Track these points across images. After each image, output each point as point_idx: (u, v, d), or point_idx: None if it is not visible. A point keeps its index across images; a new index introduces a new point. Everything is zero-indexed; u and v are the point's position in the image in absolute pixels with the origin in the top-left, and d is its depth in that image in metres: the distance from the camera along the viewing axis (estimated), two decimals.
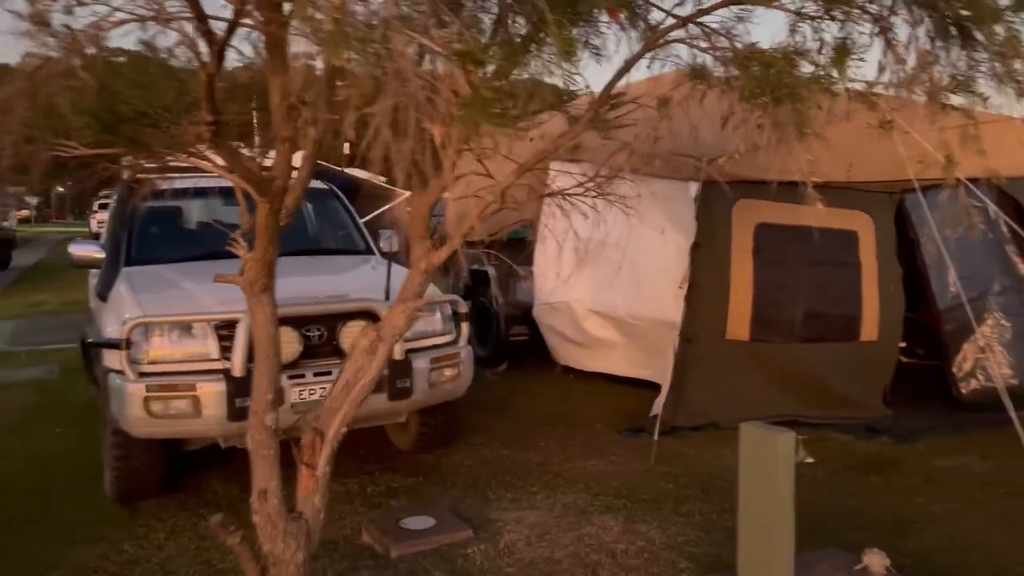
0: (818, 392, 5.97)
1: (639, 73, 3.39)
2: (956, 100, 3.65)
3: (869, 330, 6.07)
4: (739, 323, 5.84)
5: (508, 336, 7.82)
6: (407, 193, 6.69)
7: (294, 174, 2.75)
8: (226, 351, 4.21)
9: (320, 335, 4.44)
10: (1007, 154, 6.70)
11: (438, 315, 4.89)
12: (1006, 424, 5.11)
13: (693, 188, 5.70)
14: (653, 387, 6.04)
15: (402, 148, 1.90)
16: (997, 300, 6.16)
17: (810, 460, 4.38)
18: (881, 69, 3.46)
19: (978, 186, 6.33)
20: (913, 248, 6.19)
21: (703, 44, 2.89)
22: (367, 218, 7.86)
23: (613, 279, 6.18)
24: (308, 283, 4.88)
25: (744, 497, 3.17)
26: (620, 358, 6.62)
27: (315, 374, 4.37)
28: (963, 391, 6.04)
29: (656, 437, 5.07)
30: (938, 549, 3.78)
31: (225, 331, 4.25)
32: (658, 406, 5.68)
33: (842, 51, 2.53)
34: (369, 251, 5.98)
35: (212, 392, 4.10)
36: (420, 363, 4.63)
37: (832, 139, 6.09)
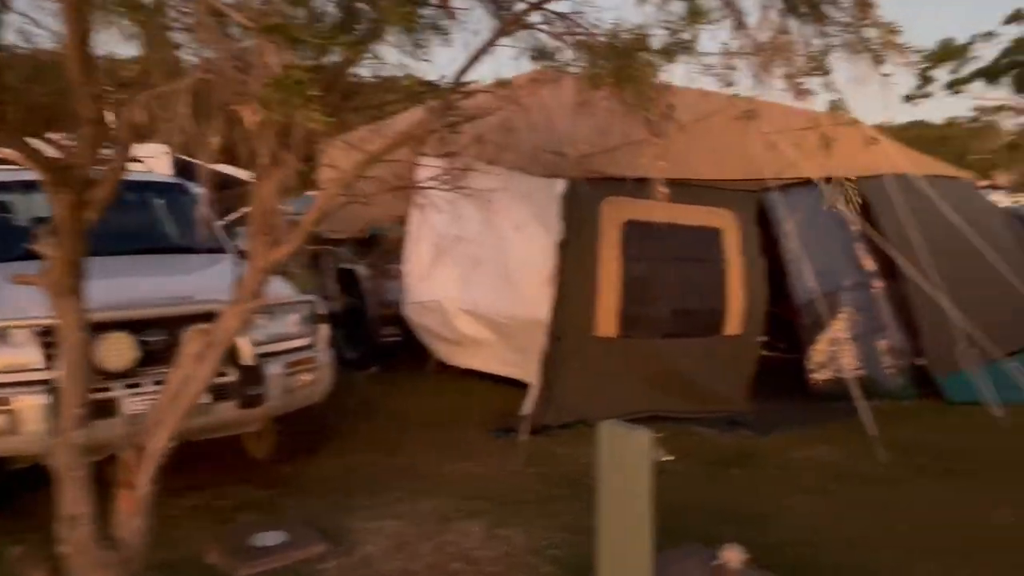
0: (684, 387, 6.05)
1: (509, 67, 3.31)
2: (811, 101, 3.72)
3: (733, 324, 6.19)
4: (607, 320, 5.84)
5: (379, 337, 7.58)
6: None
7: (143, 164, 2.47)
8: (53, 360, 3.81)
9: (161, 340, 4.10)
10: (856, 155, 7.02)
11: (294, 317, 4.63)
12: (856, 413, 5.34)
13: (559, 185, 5.65)
14: (527, 386, 5.96)
15: (205, 130, 1.69)
16: (848, 295, 6.42)
17: (669, 458, 4.36)
18: (733, 51, 3.45)
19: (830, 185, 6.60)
20: (774, 245, 6.36)
21: (555, 28, 2.79)
22: (234, 215, 7.45)
23: (482, 277, 6.07)
24: (148, 284, 4.51)
25: (603, 497, 3.10)
26: (493, 357, 6.51)
27: (155, 383, 4.02)
28: (817, 382, 6.26)
29: (523, 437, 4.98)
30: (795, 541, 3.83)
31: (52, 338, 3.85)
32: (528, 405, 5.62)
33: (694, 14, 2.46)
34: (223, 250, 5.62)
35: (32, 406, 3.71)
36: (274, 368, 4.36)
37: (697, 137, 6.25)
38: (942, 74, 41.86)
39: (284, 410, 4.54)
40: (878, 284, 6.54)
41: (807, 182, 6.50)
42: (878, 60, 2.74)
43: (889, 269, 6.55)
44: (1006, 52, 40.16)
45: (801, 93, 3.65)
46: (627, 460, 2.97)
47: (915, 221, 6.67)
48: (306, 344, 4.61)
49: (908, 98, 45.02)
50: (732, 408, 6.09)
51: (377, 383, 7.01)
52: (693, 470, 4.83)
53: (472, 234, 6.29)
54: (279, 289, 4.48)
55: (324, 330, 4.74)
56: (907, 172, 7.02)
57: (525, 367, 6.02)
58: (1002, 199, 33.53)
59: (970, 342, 6.23)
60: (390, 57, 2.53)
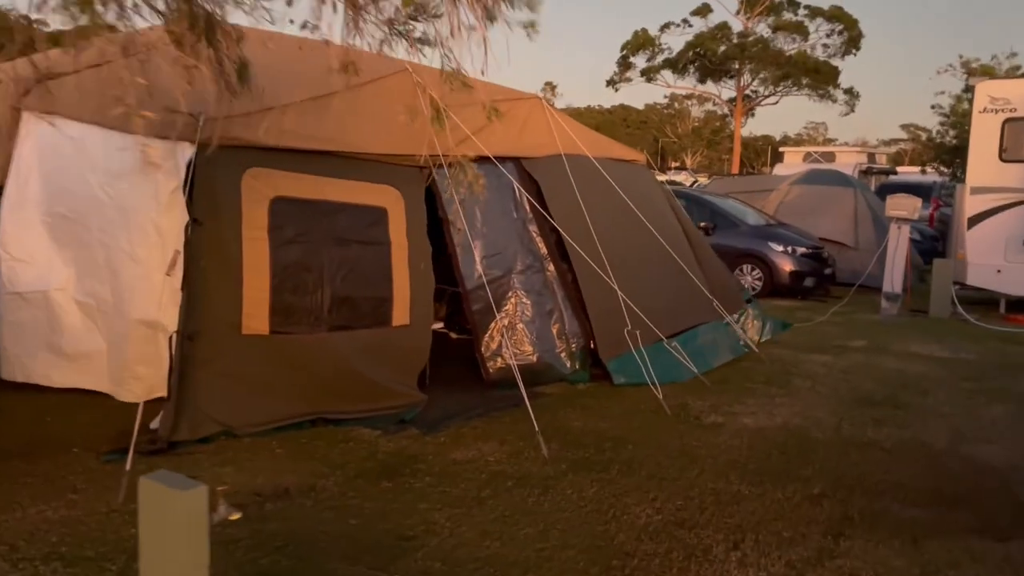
0: (351, 384, 5.43)
1: None
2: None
3: (401, 314, 5.68)
4: (256, 314, 5.04)
5: None
6: None
7: None
8: None
9: None
10: (532, 134, 6.81)
11: None
12: (531, 400, 5.07)
13: (186, 152, 4.74)
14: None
15: None
16: (520, 279, 6.19)
17: (236, 516, 3.69)
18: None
19: (504, 164, 6.30)
20: (442, 226, 5.94)
21: None
22: None
23: (89, 265, 4.99)
24: None
25: (146, 567, 2.36)
26: (102, 371, 5.27)
27: None
28: (490, 370, 5.97)
29: (128, 467, 4.06)
30: (428, 571, 3.37)
31: None
32: (159, 418, 4.69)
33: None
34: None
35: None
36: None
37: (360, 105, 5.61)
38: (641, 61, 45.42)
39: None
40: (550, 267, 6.38)
41: (479, 159, 6.19)
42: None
43: (561, 251, 6.42)
44: (690, 45, 44.50)
45: (412, 44, 3.20)
46: (176, 523, 2.25)
47: (588, 203, 6.60)
48: None
49: (609, 83, 48.20)
50: (403, 404, 5.59)
51: None
52: (342, 487, 4.24)
53: (77, 209, 5.18)
54: None
55: None
56: (581, 153, 6.94)
57: (139, 383, 5.01)
58: (687, 179, 37.23)
59: (636, 324, 6.27)
60: None
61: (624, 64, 45.58)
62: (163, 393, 4.76)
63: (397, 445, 4.92)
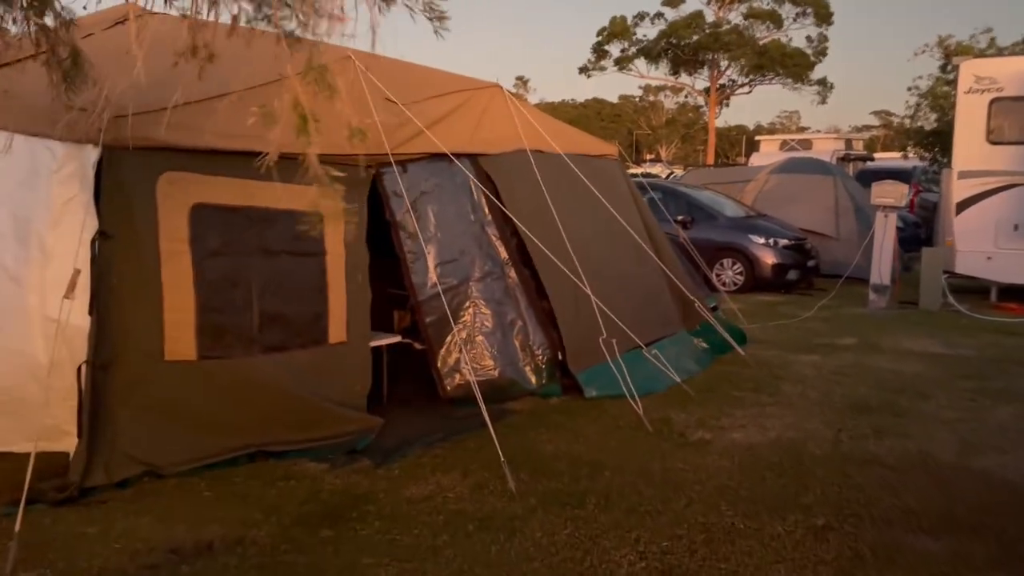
0: (292, 412, 4.83)
1: None
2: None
3: (337, 330, 5.10)
4: (181, 338, 4.44)
5: None
6: None
7: None
8: None
9: None
10: (492, 127, 6.22)
11: None
12: (497, 420, 4.52)
13: (91, 154, 4.12)
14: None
15: None
16: (478, 287, 5.63)
17: None
18: None
19: (460, 161, 5.73)
20: (391, 231, 5.36)
21: None
22: None
23: None
24: None
25: None
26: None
27: None
28: (447, 387, 5.42)
29: (18, 526, 3.45)
30: None
31: None
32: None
33: None
34: None
35: None
36: None
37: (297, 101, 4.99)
38: (615, 50, 44.88)
39: None
40: (512, 273, 5.81)
41: (432, 156, 5.61)
42: None
43: (524, 256, 5.85)
44: (663, 34, 44.06)
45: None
46: None
47: (556, 202, 6.04)
48: None
49: (583, 70, 47.65)
50: (354, 430, 5.01)
51: None
52: (269, 540, 3.66)
53: None
54: None
55: None
56: (548, 148, 6.37)
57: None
58: (663, 171, 36.78)
59: (611, 331, 5.73)
60: None
61: (599, 52, 45.07)
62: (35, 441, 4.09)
63: (344, 481, 4.34)
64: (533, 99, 63.53)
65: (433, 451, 4.80)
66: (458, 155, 5.75)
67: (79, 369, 4.12)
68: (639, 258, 6.56)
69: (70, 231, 4.12)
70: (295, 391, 4.84)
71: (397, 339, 5.79)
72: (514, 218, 5.72)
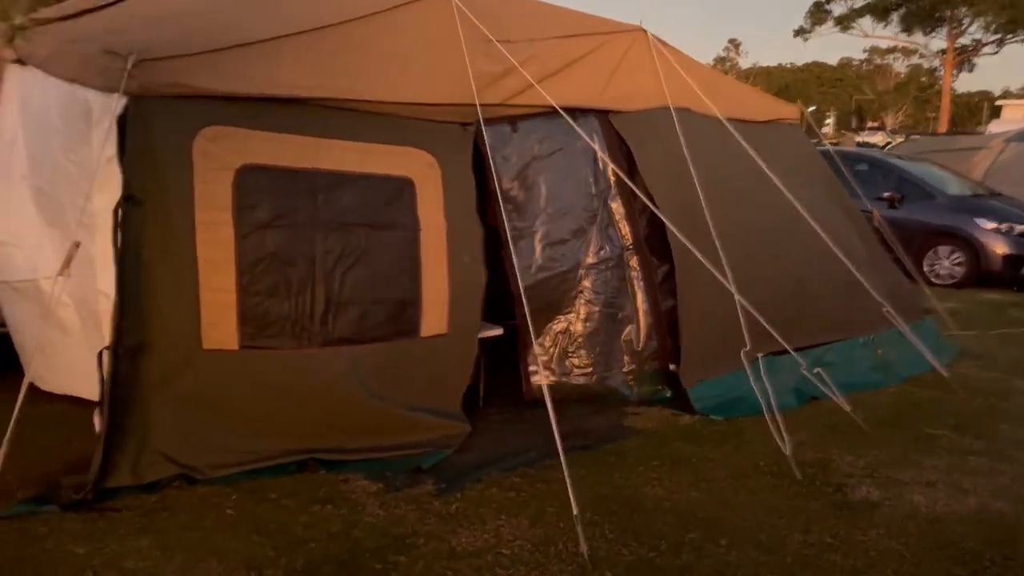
0: (358, 415, 4.12)
1: None
2: None
3: (434, 320, 4.29)
4: (220, 323, 3.80)
5: None
6: None
7: None
8: None
9: None
10: (629, 80, 5.08)
11: None
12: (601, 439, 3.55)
13: (115, 104, 3.52)
14: None
15: None
16: (590, 275, 4.62)
17: None
18: None
19: (583, 119, 4.69)
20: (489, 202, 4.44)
21: None
22: None
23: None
24: None
25: None
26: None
27: None
28: (533, 387, 4.55)
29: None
30: None
31: None
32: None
33: None
34: None
35: None
36: None
37: (372, 39, 4.17)
38: (837, 8, 40.81)
39: None
40: (633, 261, 4.72)
41: (546, 113, 4.60)
42: None
43: (653, 240, 4.73)
44: None
45: None
46: None
47: (702, 175, 4.85)
48: None
49: (798, 32, 43.99)
50: (435, 437, 4.24)
51: None
52: None
53: (53, 181, 4.12)
54: None
55: None
56: (700, 107, 5.16)
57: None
58: (882, 140, 33.05)
59: (753, 340, 4.50)
60: None
61: (818, 11, 41.20)
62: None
63: (389, 514, 3.53)
64: (745, 63, 59.60)
65: (510, 479, 3.89)
66: (584, 111, 4.73)
67: (99, 355, 3.59)
68: (812, 247, 5.21)
69: (114, 195, 3.57)
70: (365, 391, 4.10)
71: (499, 331, 4.89)
72: (646, 192, 4.60)
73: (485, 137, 4.31)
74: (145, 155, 3.57)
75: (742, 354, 4.48)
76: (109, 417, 3.60)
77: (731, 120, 5.23)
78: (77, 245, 3.32)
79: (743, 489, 3.87)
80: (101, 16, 4.41)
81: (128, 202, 3.55)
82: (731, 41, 61.93)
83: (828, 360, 5.14)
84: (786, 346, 4.55)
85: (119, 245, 3.54)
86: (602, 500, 3.62)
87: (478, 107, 4.13)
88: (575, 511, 3.24)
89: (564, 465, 3.33)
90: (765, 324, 4.45)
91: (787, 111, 6.25)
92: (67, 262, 3.24)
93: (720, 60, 70.20)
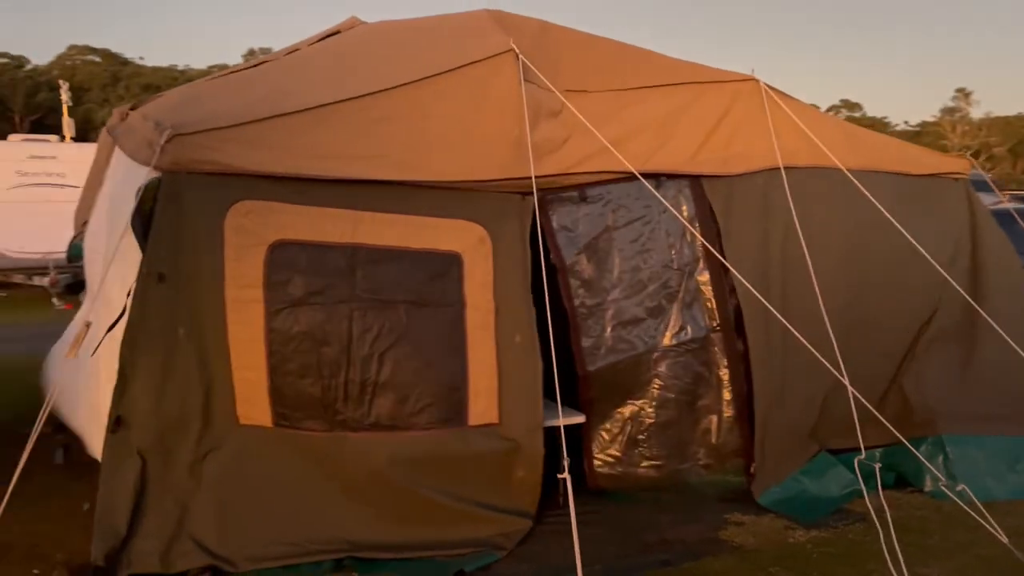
0: (405, 506, 3.80)
1: None
2: None
3: (483, 408, 3.89)
4: (254, 400, 3.65)
5: None
6: None
7: None
8: None
9: None
10: (731, 138, 4.44)
11: None
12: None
13: (142, 176, 3.48)
14: None
15: None
16: (668, 358, 4.01)
17: None
18: None
19: (670, 185, 4.14)
20: (554, 275, 4.00)
21: None
22: None
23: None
24: None
25: None
26: None
27: None
28: (597, 475, 4.03)
29: None
30: None
31: None
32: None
33: None
34: None
35: None
36: None
37: (422, 107, 3.86)
38: None
39: None
40: (719, 344, 4.05)
41: (624, 177, 4.09)
42: None
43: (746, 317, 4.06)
44: None
45: None
46: None
47: (817, 244, 4.12)
48: None
49: None
50: (482, 539, 3.81)
51: None
52: None
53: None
54: None
55: None
56: (818, 164, 4.43)
57: None
58: None
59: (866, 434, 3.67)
60: None
61: None
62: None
63: None
64: (977, 113, 53.09)
65: None
66: (672, 176, 4.19)
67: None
68: (964, 322, 4.28)
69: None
70: (406, 481, 3.77)
71: (581, 419, 4.36)
72: (732, 268, 3.95)
73: (547, 208, 3.90)
74: (176, 231, 3.49)
75: (856, 463, 3.68)
76: (135, 500, 3.48)
77: (863, 171, 4.47)
78: (88, 325, 3.25)
79: None
80: (183, 92, 4.51)
81: (155, 278, 3.46)
82: (959, 90, 56.56)
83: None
84: (912, 450, 3.69)
85: (130, 320, 3.43)
86: None
87: (533, 179, 3.69)
88: None
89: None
90: (873, 411, 3.63)
91: (949, 164, 5.28)
92: (77, 342, 3.18)
93: (948, 110, 64.29)
